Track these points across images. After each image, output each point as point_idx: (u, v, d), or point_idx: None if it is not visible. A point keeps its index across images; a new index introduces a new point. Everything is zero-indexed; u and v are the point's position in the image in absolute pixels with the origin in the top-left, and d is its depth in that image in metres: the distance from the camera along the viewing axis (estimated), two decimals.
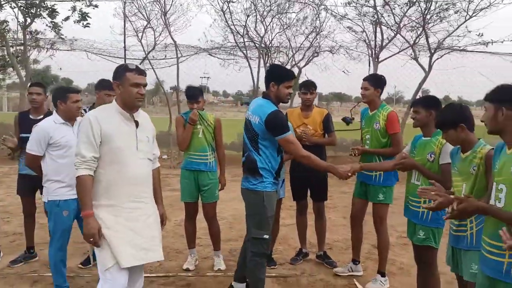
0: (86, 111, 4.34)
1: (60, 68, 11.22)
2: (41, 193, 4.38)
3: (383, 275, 4.16)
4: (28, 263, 4.44)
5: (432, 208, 2.56)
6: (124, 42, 11.24)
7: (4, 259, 4.54)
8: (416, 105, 3.38)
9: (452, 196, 2.42)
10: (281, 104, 3.53)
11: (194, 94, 4.40)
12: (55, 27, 8.45)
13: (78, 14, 8.04)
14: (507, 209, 2.06)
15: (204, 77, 18.33)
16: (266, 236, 3.40)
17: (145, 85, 2.80)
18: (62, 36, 9.10)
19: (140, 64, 11.44)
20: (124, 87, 2.74)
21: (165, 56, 11.80)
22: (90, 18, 8.19)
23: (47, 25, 8.46)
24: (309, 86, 4.58)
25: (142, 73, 2.81)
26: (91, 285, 3.95)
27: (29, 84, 4.51)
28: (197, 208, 4.53)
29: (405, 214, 3.47)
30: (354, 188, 4.35)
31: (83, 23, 8.09)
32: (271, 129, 3.26)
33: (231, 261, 4.64)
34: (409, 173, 3.44)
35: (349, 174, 3.44)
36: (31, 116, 4.33)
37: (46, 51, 11.10)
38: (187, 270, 4.37)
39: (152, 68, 11.21)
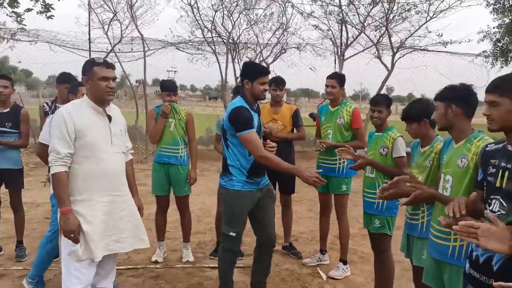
0: (48, 105, 4.33)
1: (20, 61, 10.91)
2: (6, 187, 4.37)
3: (345, 263, 4.39)
4: None
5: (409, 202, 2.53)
6: (89, 34, 11.04)
7: None
8: (379, 105, 3.56)
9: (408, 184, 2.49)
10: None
11: (173, 85, 4.45)
12: (18, 16, 8.19)
13: (42, 5, 7.82)
14: (453, 197, 2.26)
15: (171, 71, 18.16)
16: (232, 234, 3.34)
17: (114, 78, 2.80)
18: (24, 27, 8.83)
19: (106, 57, 11.27)
20: (92, 81, 2.74)
21: (132, 49, 11.66)
22: (54, 9, 7.99)
23: (7, 14, 8.20)
24: (279, 82, 4.69)
25: (110, 66, 2.81)
26: (58, 278, 3.96)
27: None
28: (168, 201, 4.59)
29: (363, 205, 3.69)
30: None
31: (46, 15, 7.88)
32: (233, 125, 3.20)
33: (199, 253, 4.75)
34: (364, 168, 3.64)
35: (315, 179, 3.08)
36: None
37: (7, 42, 10.79)
38: (156, 262, 4.43)
39: (119, 61, 11.06)
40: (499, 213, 1.87)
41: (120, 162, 2.90)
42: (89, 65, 2.77)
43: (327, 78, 4.38)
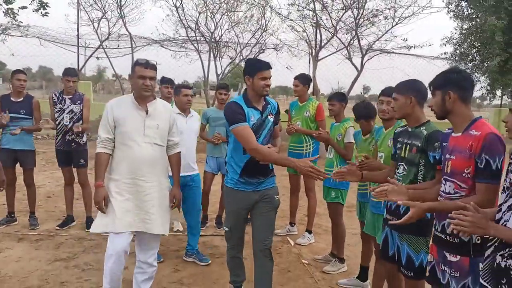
0: (56, 95, 5.05)
1: (12, 54, 11.41)
2: (21, 166, 5.10)
3: (310, 232, 5.28)
4: (10, 226, 5.12)
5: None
6: (78, 31, 11.65)
7: None
8: (332, 100, 4.48)
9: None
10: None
11: (170, 79, 4.99)
12: (12, 13, 8.74)
13: (38, 3, 8.39)
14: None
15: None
16: (225, 228, 3.39)
17: (151, 77, 3.09)
18: (19, 23, 9.39)
19: (94, 52, 11.90)
20: (133, 79, 3.11)
21: (118, 46, 12.32)
22: (49, 7, 8.59)
23: (3, 12, 8.73)
24: None
25: (148, 66, 3.08)
26: (70, 242, 4.72)
27: (13, 70, 5.12)
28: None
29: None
30: None
31: (41, 12, 8.47)
32: (226, 120, 3.17)
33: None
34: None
35: (309, 169, 2.89)
36: (12, 98, 5.01)
37: None
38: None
39: (107, 56, 11.69)
40: (403, 174, 2.77)
41: (150, 152, 3.15)
42: (133, 65, 3.13)
43: (294, 78, 5.27)
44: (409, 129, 2.81)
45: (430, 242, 2.58)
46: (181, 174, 3.95)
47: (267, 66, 3.24)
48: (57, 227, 5.10)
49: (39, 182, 7.21)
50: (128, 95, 3.27)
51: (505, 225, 1.86)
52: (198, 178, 4.48)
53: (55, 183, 7.45)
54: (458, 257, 2.25)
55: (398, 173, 2.83)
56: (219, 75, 13.18)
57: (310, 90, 6.59)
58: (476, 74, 13.25)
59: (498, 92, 14.44)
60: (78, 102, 5.03)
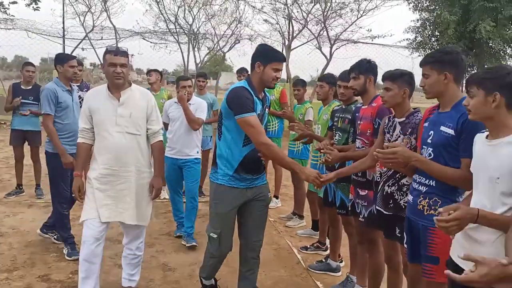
0: None
1: None
2: (29, 144, 5.93)
3: (277, 198, 6.25)
4: (19, 196, 5.96)
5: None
6: (63, 23, 12.34)
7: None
8: (297, 85, 5.44)
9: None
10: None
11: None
12: (2, 7, 9.36)
13: None
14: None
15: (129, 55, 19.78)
16: (213, 235, 2.98)
17: (122, 64, 2.99)
18: (12, 17, 10.02)
19: (79, 44, 12.60)
20: (105, 67, 3.06)
21: (101, 38, 13.02)
22: (40, 1, 9.26)
23: None
24: (242, 70, 6.37)
25: (118, 53, 3.01)
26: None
27: (23, 63, 5.95)
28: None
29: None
30: None
31: (33, 7, 9.12)
32: (230, 106, 2.81)
33: None
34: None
35: (316, 176, 2.82)
36: (22, 87, 5.83)
37: None
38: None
39: (93, 47, 12.44)
40: (338, 138, 3.74)
41: (124, 141, 3.06)
42: (104, 53, 3.07)
43: None
44: (343, 107, 3.78)
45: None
46: (174, 157, 4.54)
47: (283, 58, 3.02)
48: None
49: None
50: (104, 84, 3.22)
51: None
52: (193, 163, 4.63)
53: None
54: (366, 191, 3.23)
55: (335, 139, 3.80)
56: (198, 64, 14.04)
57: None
58: None
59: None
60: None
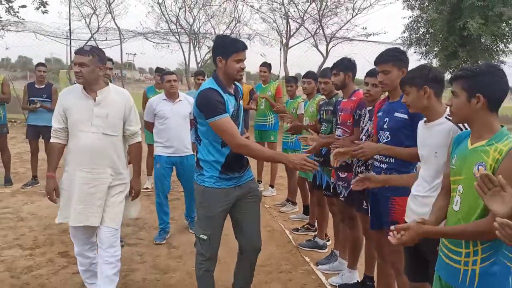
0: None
1: (7, 48, 12.53)
2: (43, 139, 6.43)
3: (272, 187, 6.73)
4: (34, 186, 6.48)
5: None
6: (70, 25, 12.81)
7: (15, 185, 6.53)
8: (289, 82, 5.92)
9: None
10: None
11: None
12: (13, 10, 9.84)
13: (38, 2, 9.49)
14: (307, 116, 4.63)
15: (130, 54, 20.27)
16: (203, 237, 2.89)
17: (80, 63, 2.85)
18: (21, 20, 10.49)
19: (85, 45, 13.07)
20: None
21: (106, 39, 13.53)
22: (49, 5, 9.73)
23: (5, 10, 9.81)
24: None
25: (77, 52, 2.91)
26: None
27: (36, 63, 6.45)
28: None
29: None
30: (254, 135, 6.82)
31: (42, 10, 9.59)
32: (201, 111, 2.70)
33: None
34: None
35: (304, 162, 2.63)
36: (36, 86, 6.36)
37: None
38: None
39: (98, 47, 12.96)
40: (324, 128, 4.19)
41: (98, 142, 2.96)
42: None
43: (261, 66, 6.68)
44: (327, 100, 4.24)
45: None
46: (169, 155, 4.53)
47: (243, 46, 2.80)
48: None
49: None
50: (77, 84, 3.10)
51: None
52: (191, 158, 4.58)
53: None
54: (345, 173, 3.68)
55: (322, 129, 4.26)
56: (199, 63, 14.55)
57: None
58: (429, 58, 14.80)
59: (447, 76, 16.06)
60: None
